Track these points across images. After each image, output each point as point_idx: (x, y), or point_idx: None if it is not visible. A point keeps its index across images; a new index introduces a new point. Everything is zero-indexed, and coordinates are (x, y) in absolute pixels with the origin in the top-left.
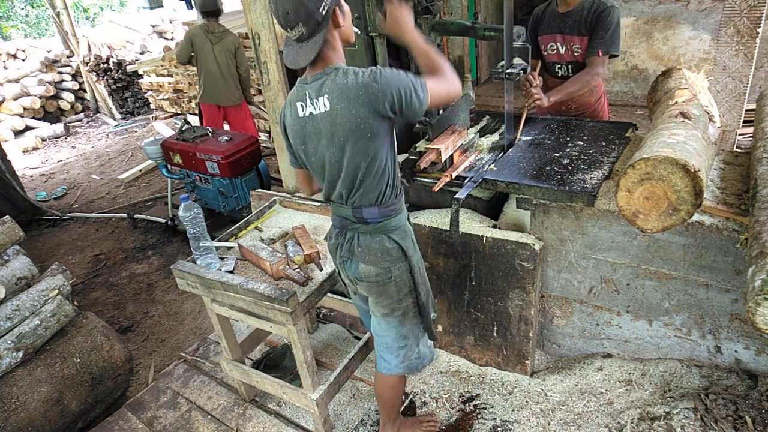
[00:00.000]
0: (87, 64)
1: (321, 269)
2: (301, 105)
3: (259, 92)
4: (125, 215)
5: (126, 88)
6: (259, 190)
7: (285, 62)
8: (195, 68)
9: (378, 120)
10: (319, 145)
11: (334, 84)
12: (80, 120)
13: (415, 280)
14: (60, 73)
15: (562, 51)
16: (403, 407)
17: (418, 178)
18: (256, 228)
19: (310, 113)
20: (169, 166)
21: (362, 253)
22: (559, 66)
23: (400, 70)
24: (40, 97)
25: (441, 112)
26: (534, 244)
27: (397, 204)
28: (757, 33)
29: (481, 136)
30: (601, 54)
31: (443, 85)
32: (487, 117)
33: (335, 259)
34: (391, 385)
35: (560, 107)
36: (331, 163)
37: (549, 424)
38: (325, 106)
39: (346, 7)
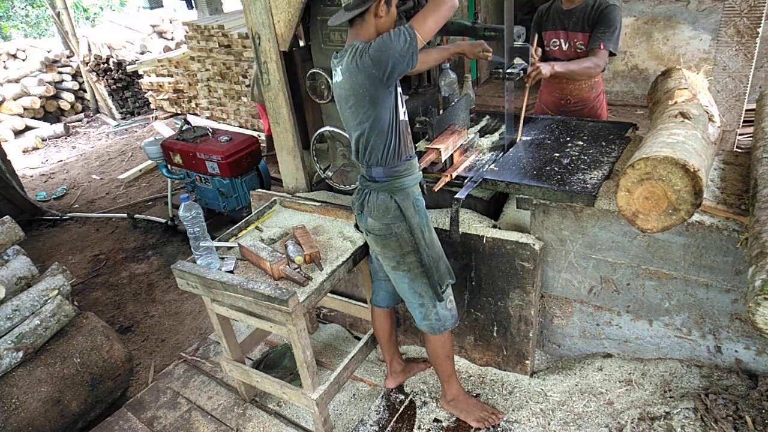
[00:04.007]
0: (87, 64)
1: (321, 269)
2: (334, 73)
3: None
4: (125, 215)
5: (126, 88)
6: (259, 190)
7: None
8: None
9: (375, 84)
10: (342, 108)
11: (346, 59)
12: (80, 120)
13: (416, 241)
14: (60, 73)
15: (565, 47)
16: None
17: None
18: (256, 228)
19: (336, 81)
20: (169, 166)
21: (369, 208)
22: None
23: (390, 34)
24: (40, 97)
25: (441, 112)
26: (534, 244)
27: (400, 167)
28: (757, 33)
29: (481, 136)
30: (602, 47)
31: (431, 16)
32: (487, 117)
33: (355, 211)
34: (429, 342)
35: (560, 102)
36: (349, 122)
37: (549, 424)
38: (341, 76)
39: (392, 10)
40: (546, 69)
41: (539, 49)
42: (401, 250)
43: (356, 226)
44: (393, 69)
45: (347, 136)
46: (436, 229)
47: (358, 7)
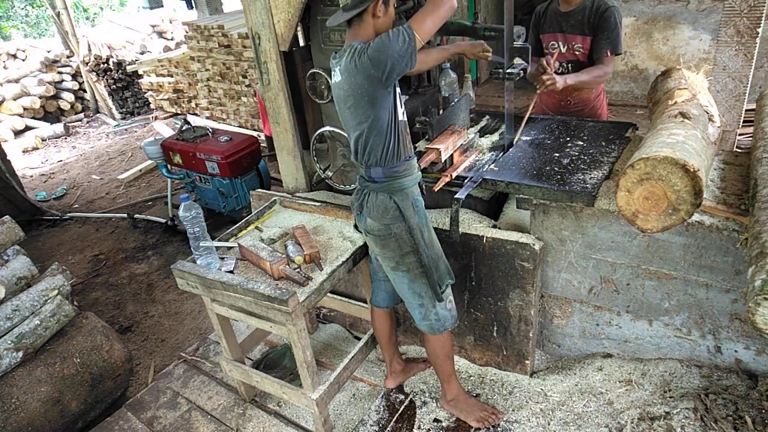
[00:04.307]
0: (87, 64)
1: (321, 269)
2: (333, 73)
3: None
4: (125, 215)
5: (126, 88)
6: (259, 190)
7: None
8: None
9: (374, 85)
10: (341, 108)
11: (344, 59)
12: (80, 120)
13: (415, 241)
14: (60, 73)
15: (563, 50)
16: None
17: None
18: (256, 228)
19: (335, 81)
20: (169, 166)
21: (368, 209)
22: (559, 64)
23: (388, 34)
24: (40, 97)
25: (441, 112)
26: (534, 244)
27: (399, 168)
28: (757, 33)
29: (481, 136)
30: (609, 54)
31: (429, 16)
32: (487, 117)
33: (354, 212)
34: (429, 341)
35: (560, 103)
36: (348, 123)
37: (549, 424)
38: (339, 76)
39: (390, 11)
40: (560, 82)
41: (557, 63)
42: (400, 251)
43: (355, 227)
44: (392, 69)
45: (347, 136)
46: (436, 229)
47: (355, 8)
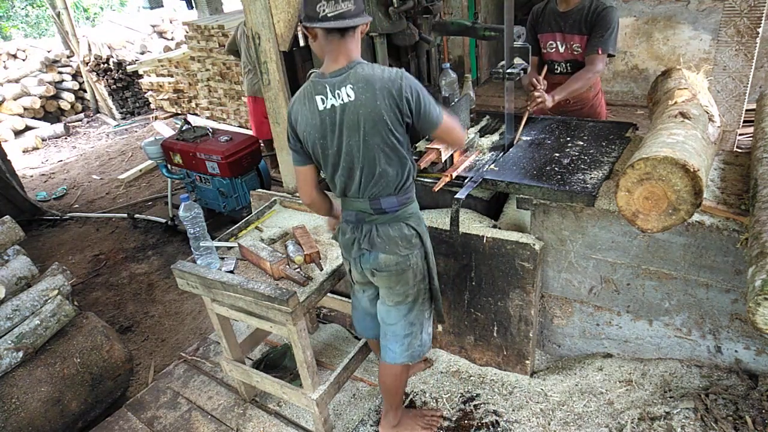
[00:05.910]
0: (87, 64)
1: (321, 269)
2: (321, 98)
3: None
4: (125, 215)
5: (126, 88)
6: (259, 190)
7: (327, 24)
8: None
9: (397, 118)
10: (340, 137)
11: (360, 75)
12: (80, 120)
13: (429, 264)
14: (60, 73)
15: (562, 49)
16: (403, 405)
17: (418, 178)
18: (257, 228)
19: (332, 105)
20: (169, 166)
21: (382, 243)
22: (557, 64)
23: (433, 101)
24: (40, 97)
25: None
26: (534, 244)
27: (412, 193)
28: (757, 33)
29: (481, 136)
30: (600, 52)
31: (456, 125)
32: (487, 117)
33: (349, 255)
34: (395, 374)
35: (559, 102)
36: (351, 153)
37: (549, 424)
38: (348, 96)
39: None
40: (549, 101)
41: (545, 82)
42: (414, 281)
43: (349, 272)
44: (422, 114)
45: (333, 171)
46: (436, 229)
47: (358, 15)
